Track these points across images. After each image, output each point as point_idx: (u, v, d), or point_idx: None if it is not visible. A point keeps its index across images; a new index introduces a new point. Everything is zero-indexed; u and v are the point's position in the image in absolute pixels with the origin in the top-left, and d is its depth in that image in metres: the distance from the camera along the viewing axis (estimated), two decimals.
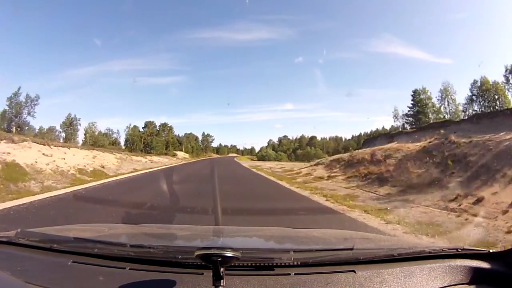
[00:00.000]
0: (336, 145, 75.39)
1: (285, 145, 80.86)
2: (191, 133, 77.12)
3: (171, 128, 66.43)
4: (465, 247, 1.15)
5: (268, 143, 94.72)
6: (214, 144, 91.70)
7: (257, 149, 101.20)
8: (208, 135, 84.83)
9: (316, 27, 69.86)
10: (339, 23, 68.81)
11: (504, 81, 33.87)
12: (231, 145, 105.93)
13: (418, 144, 12.74)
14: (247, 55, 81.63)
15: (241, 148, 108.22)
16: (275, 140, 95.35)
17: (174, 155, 54.16)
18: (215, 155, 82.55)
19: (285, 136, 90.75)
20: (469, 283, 1.02)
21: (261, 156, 71.49)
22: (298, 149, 75.56)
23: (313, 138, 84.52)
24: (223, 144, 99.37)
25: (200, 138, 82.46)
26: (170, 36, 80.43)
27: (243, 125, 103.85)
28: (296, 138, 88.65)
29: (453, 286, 1.00)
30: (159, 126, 64.17)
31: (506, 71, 33.47)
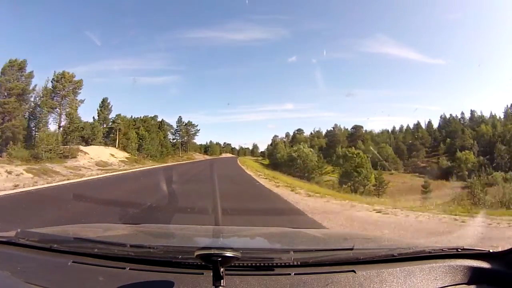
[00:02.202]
0: (411, 139, 46.52)
1: (303, 141, 54.94)
2: (154, 116, 45.63)
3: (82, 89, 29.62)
4: (465, 247, 1.15)
5: (273, 140, 70.15)
6: (202, 140, 68.35)
7: (261, 148, 78.99)
8: (189, 123, 56.02)
9: (310, 27, 68.88)
10: (333, 23, 68.22)
11: None
12: (225, 143, 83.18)
13: None
14: (241, 56, 79.02)
15: (237, 147, 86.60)
16: (281, 135, 68.81)
17: (67, 156, 23.21)
18: (200, 156, 58.66)
19: (299, 130, 64.96)
20: (469, 283, 1.02)
21: (289, 158, 39.65)
22: (337, 146, 46.80)
23: (358, 128, 54.01)
24: (214, 141, 75.79)
25: (175, 126, 53.11)
26: (163, 36, 78.27)
27: (236, 125, 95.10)
28: (316, 131, 62.75)
29: (453, 286, 1.00)
30: (54, 79, 27.71)
31: None
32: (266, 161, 58.28)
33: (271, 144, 72.89)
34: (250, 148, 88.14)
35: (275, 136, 73.21)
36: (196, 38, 78.93)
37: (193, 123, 59.67)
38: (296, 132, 65.69)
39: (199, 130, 61.03)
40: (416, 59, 65.97)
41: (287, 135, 67.97)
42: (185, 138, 57.84)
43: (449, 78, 61.05)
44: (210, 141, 75.51)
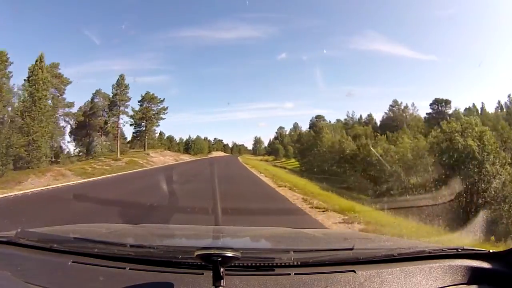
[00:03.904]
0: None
1: (333, 132, 35.11)
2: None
3: None
4: (465, 247, 1.15)
5: (278, 133, 57.95)
6: (182, 132, 53.95)
7: (265, 143, 63.54)
8: (147, 97, 32.91)
9: (302, 25, 66.78)
10: (327, 20, 67.05)
11: None
12: (215, 139, 64.07)
13: None
14: (231, 54, 76.60)
15: (230, 144, 69.05)
16: (288, 128, 56.65)
17: None
18: (168, 158, 31.96)
19: (319, 116, 47.32)
20: (469, 283, 1.02)
21: (450, 159, 13.46)
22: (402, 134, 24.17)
23: (444, 104, 34.94)
24: (202, 136, 54.60)
25: (111, 94, 29.23)
26: (153, 36, 75.96)
27: (226, 124, 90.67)
28: (349, 117, 43.26)
29: (453, 286, 1.00)
30: None
31: None
32: (290, 164, 38.80)
33: (276, 138, 58.36)
34: (245, 145, 70.94)
35: (281, 127, 58.83)
36: (186, 37, 76.54)
37: (155, 95, 32.75)
38: (315, 119, 47.75)
39: (166, 109, 33.24)
40: (410, 56, 65.00)
41: (295, 126, 54.92)
42: (143, 125, 32.16)
43: (443, 74, 59.85)
44: (197, 136, 52.17)
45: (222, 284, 0.85)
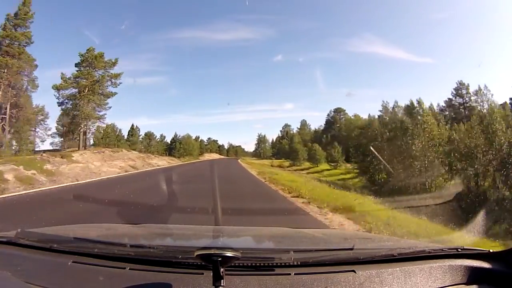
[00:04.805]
0: None
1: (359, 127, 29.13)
2: None
3: None
4: (465, 247, 1.15)
5: (284, 131, 49.54)
6: (179, 133, 40.27)
7: (249, 148, 56.58)
8: (91, 55, 18.66)
9: (297, 27, 66.13)
10: (322, 23, 66.50)
11: None
12: (209, 139, 55.51)
13: None
14: (227, 55, 75.97)
15: (226, 145, 60.04)
16: (295, 126, 49.04)
17: None
18: (116, 165, 16.71)
19: (338, 110, 40.53)
20: (469, 283, 1.02)
21: None
22: None
23: None
24: (193, 136, 45.84)
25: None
26: (151, 36, 75.13)
27: (223, 125, 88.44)
28: (385, 108, 29.01)
29: (453, 286, 1.00)
30: None
31: None
32: (327, 173, 27.48)
33: (282, 137, 49.11)
34: (242, 146, 61.53)
35: (287, 125, 49.30)
36: (184, 38, 75.11)
37: (103, 54, 20.16)
38: (333, 112, 38.86)
39: (118, 76, 20.61)
40: (409, 58, 64.29)
41: (303, 123, 47.56)
42: (76, 102, 19.11)
43: (442, 75, 59.08)
44: (187, 134, 41.24)
45: (222, 284, 0.85)
